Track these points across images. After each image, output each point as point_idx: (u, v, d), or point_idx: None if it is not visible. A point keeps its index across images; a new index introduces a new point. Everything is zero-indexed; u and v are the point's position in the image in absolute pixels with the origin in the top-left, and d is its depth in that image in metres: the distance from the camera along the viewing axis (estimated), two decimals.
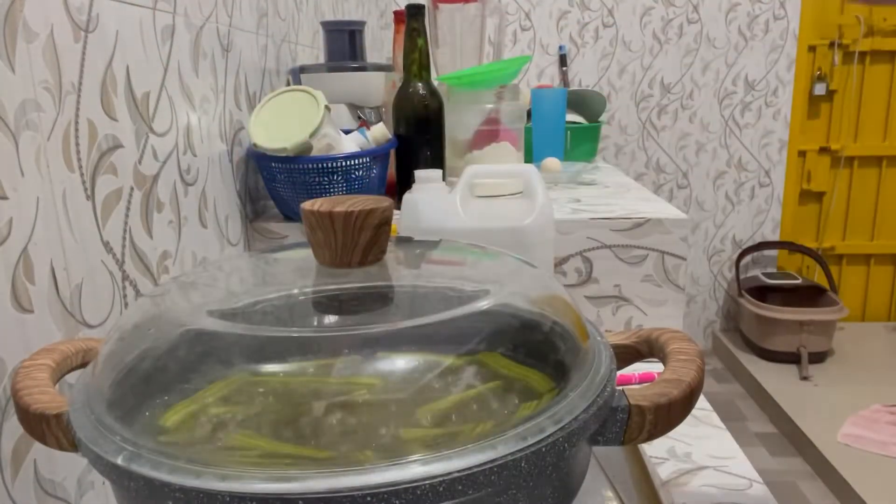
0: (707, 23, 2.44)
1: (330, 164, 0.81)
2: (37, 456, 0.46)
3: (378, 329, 0.31)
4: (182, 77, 0.69)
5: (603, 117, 2.50)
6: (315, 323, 0.34)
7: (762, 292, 2.48)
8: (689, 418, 0.67)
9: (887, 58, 2.49)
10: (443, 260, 0.43)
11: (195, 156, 0.72)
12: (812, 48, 2.48)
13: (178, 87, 0.68)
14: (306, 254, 0.41)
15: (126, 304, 0.57)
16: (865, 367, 2.30)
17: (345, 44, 1.06)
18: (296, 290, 0.37)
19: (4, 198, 0.43)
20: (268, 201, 0.96)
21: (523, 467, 0.28)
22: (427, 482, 0.26)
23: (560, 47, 2.47)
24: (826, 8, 2.45)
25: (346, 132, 0.90)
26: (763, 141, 2.54)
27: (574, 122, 1.44)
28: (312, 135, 0.79)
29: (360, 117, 1.05)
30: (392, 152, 0.94)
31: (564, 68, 2.47)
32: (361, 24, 1.08)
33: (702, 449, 0.60)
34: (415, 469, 0.26)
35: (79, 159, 0.51)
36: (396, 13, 1.15)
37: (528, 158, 1.20)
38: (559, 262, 0.81)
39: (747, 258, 2.65)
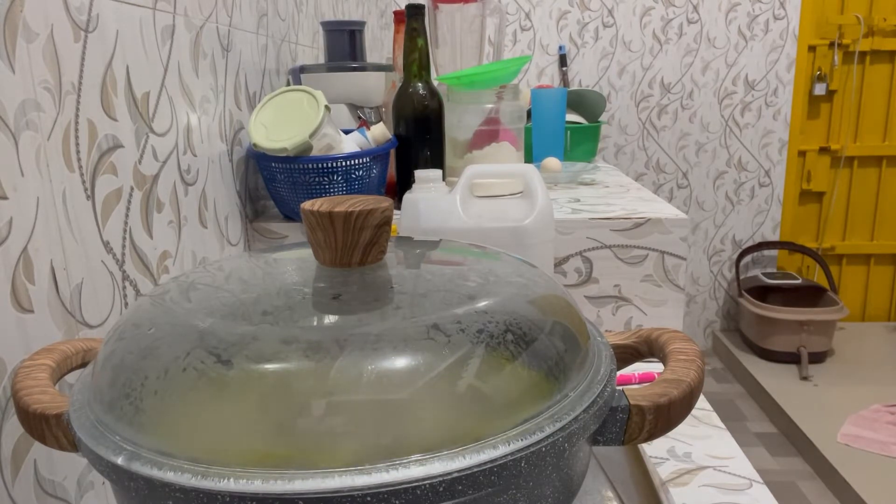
0: (707, 23, 2.45)
1: (330, 164, 0.81)
2: (37, 456, 0.46)
3: (378, 329, 0.31)
4: (182, 77, 0.69)
5: (603, 117, 2.51)
6: (315, 323, 0.34)
7: (762, 292, 2.48)
8: (689, 418, 0.67)
9: (887, 58, 2.50)
10: (443, 260, 0.43)
11: (195, 156, 0.72)
12: (812, 48, 2.48)
13: (178, 87, 0.68)
14: (306, 254, 0.41)
15: (126, 304, 0.57)
16: (865, 367, 2.30)
17: (345, 44, 1.06)
18: (296, 290, 0.37)
19: (4, 198, 0.43)
20: (268, 201, 0.96)
21: (523, 467, 0.28)
22: (427, 482, 0.26)
23: (560, 47, 2.47)
24: (826, 8, 2.45)
25: (346, 132, 0.90)
26: (763, 141, 2.54)
27: (574, 122, 1.44)
28: (312, 135, 0.79)
29: (360, 117, 1.05)
30: (392, 152, 0.94)
31: (564, 68, 2.47)
32: (361, 24, 1.08)
33: (702, 449, 0.60)
34: (415, 469, 0.26)
35: (79, 159, 0.51)
36: (396, 13, 1.15)
37: (528, 158, 1.20)
38: (559, 262, 0.81)
39: (747, 258, 2.65)
